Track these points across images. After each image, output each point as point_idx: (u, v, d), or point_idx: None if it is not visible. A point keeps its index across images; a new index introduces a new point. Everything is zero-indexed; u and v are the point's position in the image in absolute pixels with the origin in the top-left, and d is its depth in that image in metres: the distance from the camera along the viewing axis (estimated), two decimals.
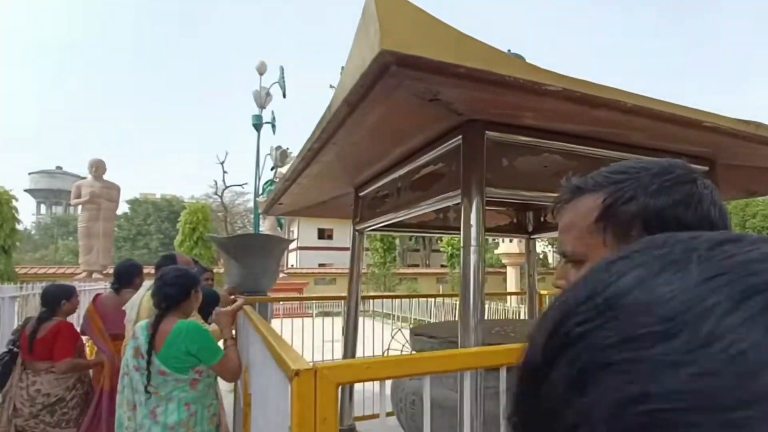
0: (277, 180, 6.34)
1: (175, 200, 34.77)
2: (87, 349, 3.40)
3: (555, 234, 4.44)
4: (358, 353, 4.00)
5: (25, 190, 46.01)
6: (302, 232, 32.80)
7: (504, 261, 15.71)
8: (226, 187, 19.80)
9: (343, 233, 34.50)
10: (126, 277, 3.06)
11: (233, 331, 2.28)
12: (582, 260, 0.64)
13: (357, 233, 3.71)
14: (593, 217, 0.62)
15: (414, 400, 2.58)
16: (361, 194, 3.61)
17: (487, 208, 4.48)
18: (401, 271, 24.64)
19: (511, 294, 7.90)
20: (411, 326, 4.13)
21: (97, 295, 3.23)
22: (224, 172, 18.67)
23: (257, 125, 6.19)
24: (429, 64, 1.14)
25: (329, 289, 23.28)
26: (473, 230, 2.04)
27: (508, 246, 14.69)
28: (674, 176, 0.60)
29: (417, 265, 30.76)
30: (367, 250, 25.47)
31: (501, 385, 1.38)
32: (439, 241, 26.64)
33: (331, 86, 26.93)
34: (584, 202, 0.64)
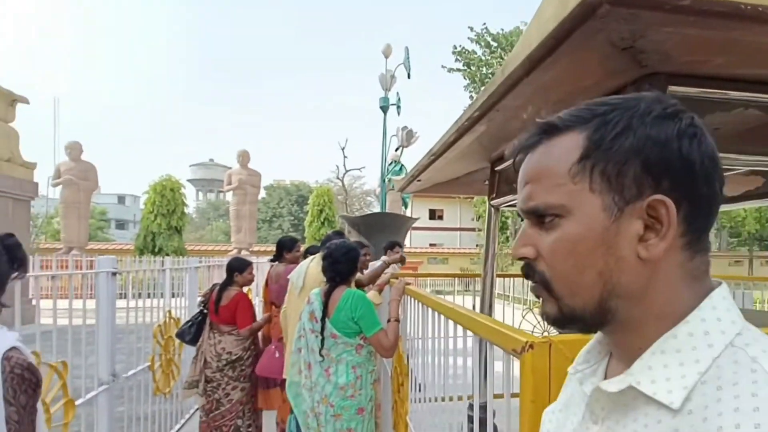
0: (397, 161, 6.36)
1: (303, 185, 37.43)
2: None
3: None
4: None
5: (188, 180, 53.30)
6: (414, 212, 33.21)
7: None
8: (347, 171, 20.68)
9: (452, 213, 34.14)
10: (288, 249, 3.35)
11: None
12: (558, 215, 0.47)
13: (493, 209, 3.53)
14: (575, 157, 0.47)
15: None
16: (498, 168, 3.41)
17: None
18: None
19: None
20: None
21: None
22: (345, 157, 19.50)
23: (384, 107, 6.25)
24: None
25: (442, 267, 23.28)
26: None
27: None
28: (673, 105, 0.47)
29: None
30: (479, 230, 24.84)
31: None
32: None
33: (442, 66, 26.29)
34: (560, 142, 0.48)
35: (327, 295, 2.11)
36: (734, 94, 1.89)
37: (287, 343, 2.67)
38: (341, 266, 2.16)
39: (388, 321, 2.20)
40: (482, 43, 24.72)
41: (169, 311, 3.62)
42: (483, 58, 24.63)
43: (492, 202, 3.50)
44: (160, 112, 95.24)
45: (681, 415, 0.41)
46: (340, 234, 2.87)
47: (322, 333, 2.05)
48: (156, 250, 14.84)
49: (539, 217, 0.49)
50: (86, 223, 15.70)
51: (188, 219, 17.77)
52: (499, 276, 4.21)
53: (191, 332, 3.32)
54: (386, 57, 6.68)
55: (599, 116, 0.47)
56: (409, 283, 2.40)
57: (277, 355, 3.06)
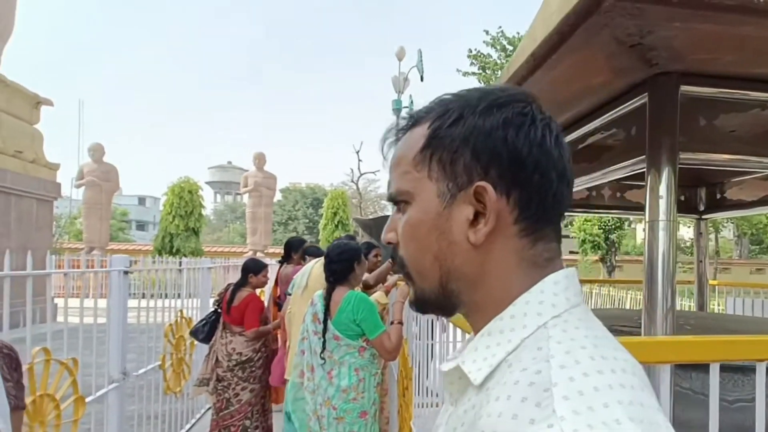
0: None
1: (318, 188, 37.64)
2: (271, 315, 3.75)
3: (733, 213, 3.66)
4: None
5: (206, 182, 54.07)
6: None
7: None
8: (361, 175, 20.72)
9: None
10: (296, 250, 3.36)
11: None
12: (407, 201, 0.50)
13: None
14: (419, 147, 0.49)
15: None
16: None
17: (630, 183, 3.86)
18: None
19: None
20: None
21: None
22: (359, 160, 19.56)
23: (397, 110, 6.24)
24: None
25: None
26: (663, 203, 1.69)
27: None
28: (507, 95, 0.48)
29: None
30: None
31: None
32: (569, 226, 24.58)
33: (457, 70, 26.21)
34: (414, 133, 0.51)
35: (327, 297, 2.09)
36: (752, 94, 1.82)
37: (291, 345, 2.66)
38: (335, 266, 2.14)
39: (392, 323, 2.17)
40: (498, 47, 24.52)
41: (181, 311, 3.65)
42: (498, 61, 24.46)
43: None
44: (181, 115, 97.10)
45: (481, 392, 0.43)
46: (351, 238, 2.85)
47: (323, 335, 2.03)
48: (174, 250, 15.04)
49: (396, 203, 0.51)
50: (107, 224, 16.03)
51: (205, 221, 17.98)
52: None
53: (204, 331, 3.34)
54: (399, 60, 6.69)
55: (442, 107, 0.49)
56: None
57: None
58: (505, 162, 0.45)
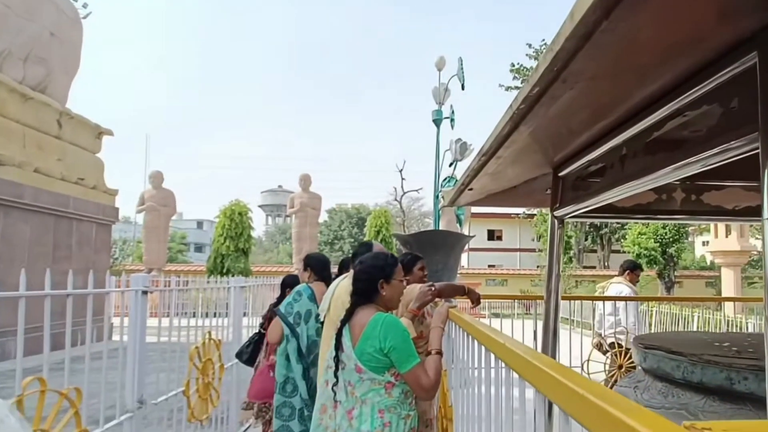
0: (451, 177, 5.90)
1: (362, 208, 37.70)
2: None
3: None
4: None
5: (258, 206, 55.76)
6: (472, 233, 32.07)
7: (717, 261, 12.24)
8: (404, 193, 20.40)
9: (512, 234, 32.57)
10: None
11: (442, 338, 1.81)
12: None
13: (556, 221, 2.96)
14: None
15: None
16: (562, 174, 2.86)
17: (729, 183, 3.20)
18: (578, 273, 21.82)
19: (738, 300, 5.77)
20: (635, 336, 3.16)
21: None
22: (402, 179, 19.25)
23: (437, 120, 5.88)
24: None
25: (500, 289, 22.01)
26: None
27: (722, 242, 11.43)
28: None
29: (593, 267, 27.00)
30: (540, 250, 23.32)
31: None
32: (621, 240, 22.89)
33: (500, 85, 25.58)
34: None
35: (344, 321, 1.71)
36: None
37: (319, 370, 2.28)
38: (359, 284, 1.76)
39: (428, 354, 1.74)
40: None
41: (209, 332, 3.37)
42: None
43: (555, 213, 2.94)
44: (236, 142, 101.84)
45: None
46: (368, 246, 2.43)
47: (336, 365, 1.65)
48: (224, 271, 15.26)
49: None
50: (165, 246, 16.57)
51: (254, 242, 18.24)
52: (563, 298, 3.56)
53: (248, 352, 3.20)
54: (439, 70, 6.35)
55: None
56: (453, 306, 1.93)
57: (271, 374, 2.70)
58: None
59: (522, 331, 3.78)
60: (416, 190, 17.76)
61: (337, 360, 1.68)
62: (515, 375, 0.92)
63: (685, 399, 1.79)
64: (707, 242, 27.86)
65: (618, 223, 23.79)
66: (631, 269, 4.45)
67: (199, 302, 3.63)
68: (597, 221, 19.20)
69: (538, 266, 23.72)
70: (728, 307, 9.35)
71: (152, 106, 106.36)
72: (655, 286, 18.99)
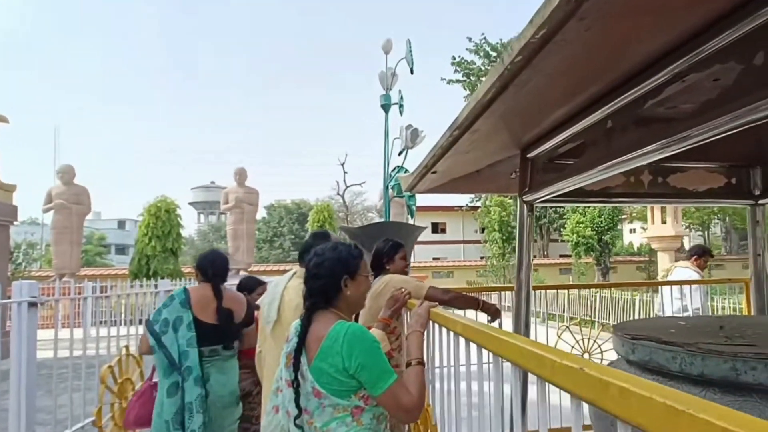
0: (401, 166, 5.66)
1: (303, 203, 36.75)
2: None
3: None
4: None
5: (189, 203, 52.61)
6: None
7: (654, 246, 13.13)
8: (347, 187, 20.03)
9: (455, 226, 33.34)
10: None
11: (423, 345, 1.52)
12: None
13: (526, 207, 2.80)
14: None
15: None
16: (531, 155, 2.69)
17: (694, 165, 3.20)
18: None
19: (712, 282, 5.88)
20: (613, 324, 3.09)
21: None
22: (345, 172, 18.87)
23: (385, 106, 5.59)
24: None
25: (447, 281, 22.39)
26: None
27: (658, 228, 12.27)
28: None
29: (534, 257, 28.25)
30: (485, 242, 23.98)
31: None
32: (560, 230, 24.16)
33: (441, 78, 25.92)
34: None
35: (303, 330, 1.37)
36: None
37: (264, 398, 1.91)
38: (317, 283, 1.42)
39: (408, 365, 1.45)
40: (481, 53, 24.31)
41: (126, 346, 2.86)
42: (483, 68, 24.23)
43: (524, 198, 2.77)
44: (162, 136, 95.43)
45: None
46: (324, 236, 2.05)
47: (296, 388, 1.32)
48: (151, 273, 14.05)
49: None
50: (78, 248, 14.97)
51: (185, 241, 16.97)
52: (535, 288, 3.45)
53: None
54: (386, 53, 6.08)
55: None
56: (434, 306, 1.65)
57: (155, 394, 2.30)
58: None
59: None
60: (359, 184, 17.53)
61: (296, 383, 1.34)
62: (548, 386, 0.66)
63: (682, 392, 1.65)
64: (634, 230, 30.18)
65: (556, 212, 25.07)
66: (699, 254, 4.44)
67: (122, 309, 3.11)
68: (559, 207, 20.01)
69: (482, 257, 24.39)
70: (665, 290, 10.02)
71: (65, 95, 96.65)
72: (592, 272, 20.22)
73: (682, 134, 1.56)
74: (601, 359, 3.68)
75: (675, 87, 1.58)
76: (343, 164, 18.44)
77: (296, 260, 2.22)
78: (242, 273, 14.16)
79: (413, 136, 5.10)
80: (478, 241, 27.87)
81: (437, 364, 1.73)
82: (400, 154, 5.65)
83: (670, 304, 4.17)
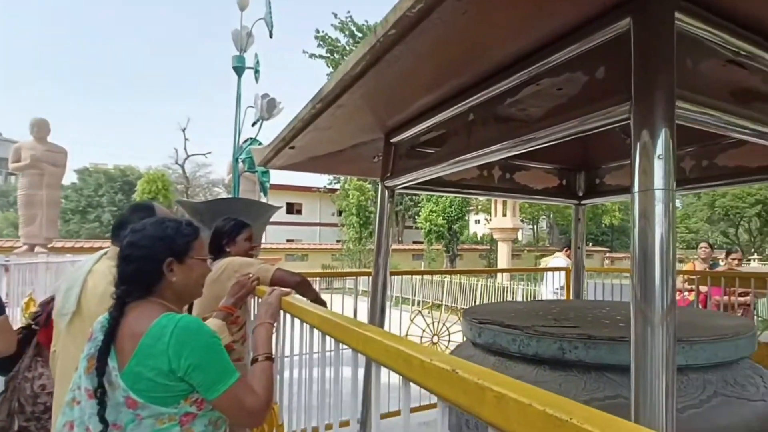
0: (254, 138, 5.38)
1: (130, 170, 32.51)
2: None
3: (610, 199, 3.76)
4: None
5: None
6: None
7: (496, 236, 15.09)
8: (188, 156, 18.32)
9: (311, 208, 33.36)
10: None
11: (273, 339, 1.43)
12: None
13: (387, 192, 2.89)
14: None
15: None
16: (395, 140, 2.78)
17: (535, 165, 3.69)
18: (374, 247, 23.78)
19: (543, 269, 7.16)
20: (463, 309, 3.39)
21: None
22: (186, 139, 17.21)
23: (238, 69, 5.15)
24: None
25: (301, 265, 22.36)
26: (660, 166, 1.26)
27: (500, 220, 14.14)
28: None
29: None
30: (342, 225, 24.50)
31: None
32: (416, 217, 26.05)
33: (304, 51, 25.33)
34: None
35: (112, 326, 1.18)
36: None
37: (55, 407, 1.60)
38: (130, 267, 1.23)
39: (253, 362, 1.35)
40: (346, 32, 24.42)
41: None
42: (347, 47, 24.39)
43: (386, 183, 2.85)
44: None
45: None
46: (147, 210, 1.75)
47: (101, 398, 1.13)
48: None
49: None
50: None
51: None
52: (392, 274, 3.61)
53: None
54: (241, 10, 5.61)
55: None
56: (288, 293, 1.58)
57: None
58: None
59: (342, 309, 3.70)
60: (204, 154, 16.21)
61: (101, 392, 1.13)
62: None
63: (519, 371, 1.92)
64: (479, 221, 34.22)
65: (411, 200, 26.92)
66: (570, 247, 5.40)
67: None
68: (423, 194, 21.23)
69: (338, 241, 24.95)
70: (504, 276, 11.62)
71: None
72: (442, 258, 22.34)
73: (529, 135, 1.75)
74: (449, 341, 4.06)
75: (530, 89, 1.76)
76: (184, 130, 16.81)
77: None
78: (39, 249, 11.96)
79: (270, 106, 4.83)
80: (335, 225, 28.34)
81: (287, 353, 1.66)
82: (254, 124, 5.32)
83: (551, 285, 5.73)
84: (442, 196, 20.45)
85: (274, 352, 1.38)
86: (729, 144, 2.64)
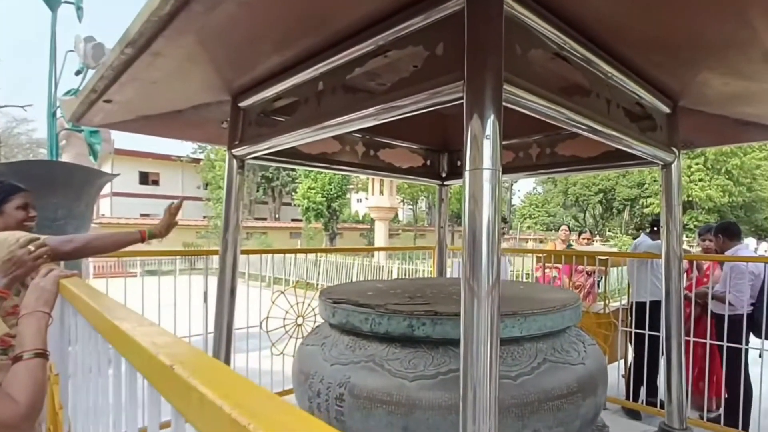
0: (77, 89, 4.73)
1: None
2: None
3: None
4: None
5: None
6: (117, 172, 28.35)
7: (373, 215, 15.46)
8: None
9: (172, 179, 30.90)
10: None
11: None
12: None
13: (236, 162, 2.73)
14: None
15: (342, 395, 1.88)
16: (244, 105, 2.62)
17: (399, 144, 3.80)
18: (249, 224, 22.99)
19: (417, 248, 7.55)
20: (319, 289, 3.35)
21: None
22: None
23: (52, 2, 4.37)
24: None
25: (157, 243, 20.64)
26: (488, 144, 1.33)
27: (377, 199, 14.49)
28: None
29: (265, 219, 29.21)
30: (208, 200, 23.09)
31: None
32: (293, 194, 25.61)
33: None
34: None
35: None
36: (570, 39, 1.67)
37: None
38: None
39: (17, 359, 1.16)
40: None
41: None
42: None
43: (234, 152, 2.68)
44: None
45: None
46: None
47: None
48: None
49: None
50: None
51: None
52: (243, 252, 3.46)
53: None
54: None
55: None
56: (71, 274, 1.37)
57: None
58: None
59: (189, 291, 3.43)
60: (22, 107, 13.87)
61: None
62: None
63: (372, 350, 1.97)
64: (360, 199, 34.92)
65: (289, 176, 26.39)
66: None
67: None
68: (274, 166, 20.58)
69: (204, 216, 23.52)
70: (381, 255, 11.99)
71: None
72: (321, 237, 22.35)
73: (376, 107, 1.75)
74: (315, 322, 4.04)
75: (377, 61, 1.76)
76: None
77: None
78: None
79: (96, 52, 4.20)
80: (200, 199, 26.64)
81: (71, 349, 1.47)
82: (78, 74, 4.64)
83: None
84: (321, 173, 20.33)
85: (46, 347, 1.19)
86: (567, 135, 2.97)
